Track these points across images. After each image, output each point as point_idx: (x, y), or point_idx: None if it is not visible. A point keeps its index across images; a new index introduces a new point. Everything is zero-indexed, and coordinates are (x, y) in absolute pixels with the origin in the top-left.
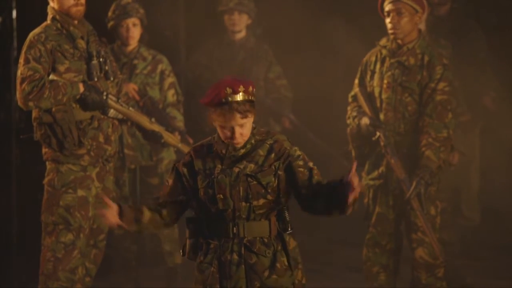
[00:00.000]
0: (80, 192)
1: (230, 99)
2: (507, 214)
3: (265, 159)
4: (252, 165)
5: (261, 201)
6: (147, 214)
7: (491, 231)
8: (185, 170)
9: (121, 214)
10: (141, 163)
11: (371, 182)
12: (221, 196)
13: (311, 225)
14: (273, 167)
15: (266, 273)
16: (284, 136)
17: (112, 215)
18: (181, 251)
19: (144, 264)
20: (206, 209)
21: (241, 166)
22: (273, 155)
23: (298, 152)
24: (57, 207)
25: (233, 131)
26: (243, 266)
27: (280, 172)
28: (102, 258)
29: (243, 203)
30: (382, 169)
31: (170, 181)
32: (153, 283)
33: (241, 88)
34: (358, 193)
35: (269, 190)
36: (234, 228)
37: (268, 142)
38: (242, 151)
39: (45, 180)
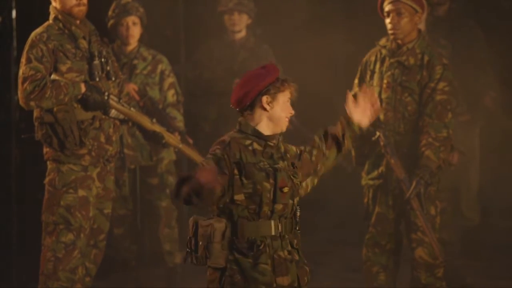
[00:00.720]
0: (81, 192)
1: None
2: (507, 214)
3: (289, 158)
4: (286, 164)
5: (297, 199)
6: None
7: (491, 231)
8: (234, 162)
9: None
10: (141, 163)
11: (371, 182)
12: (287, 189)
13: (311, 225)
14: (296, 166)
15: (308, 268)
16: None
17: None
18: (186, 256)
19: (144, 264)
20: (255, 204)
21: (281, 164)
22: (288, 155)
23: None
24: (58, 207)
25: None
26: (293, 262)
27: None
28: (102, 258)
29: (290, 201)
30: (382, 169)
31: (225, 171)
32: (153, 283)
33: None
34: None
35: (300, 188)
36: (280, 226)
37: (280, 140)
38: (276, 148)
39: (46, 180)
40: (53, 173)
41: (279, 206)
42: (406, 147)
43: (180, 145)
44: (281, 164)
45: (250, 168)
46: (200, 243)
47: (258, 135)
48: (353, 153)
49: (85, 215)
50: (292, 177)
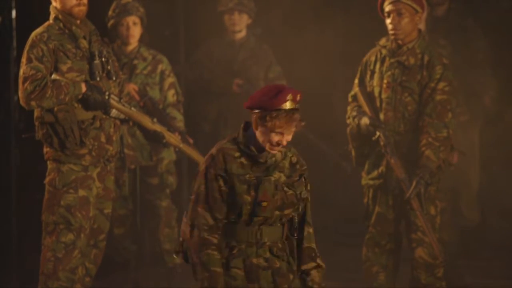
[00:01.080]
0: (81, 192)
1: (289, 105)
2: (506, 214)
3: (291, 171)
4: (282, 176)
5: (290, 210)
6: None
7: (490, 231)
8: (220, 174)
9: None
10: (141, 163)
11: (371, 182)
12: (266, 203)
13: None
14: (302, 178)
15: (291, 276)
16: (296, 150)
17: None
18: (179, 253)
19: (144, 264)
20: (234, 214)
21: (276, 176)
22: (297, 166)
23: (307, 174)
24: (58, 207)
25: (281, 137)
26: (270, 270)
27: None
28: (102, 258)
29: (277, 212)
30: (382, 168)
31: (216, 195)
32: (153, 283)
33: (299, 97)
34: None
35: (299, 201)
36: (258, 233)
37: (289, 155)
38: (273, 159)
39: (46, 180)
40: (53, 173)
41: (258, 218)
42: (406, 147)
43: (181, 145)
44: (276, 175)
45: (233, 179)
46: (181, 239)
47: (249, 151)
48: (353, 153)
49: (85, 215)
50: (286, 188)
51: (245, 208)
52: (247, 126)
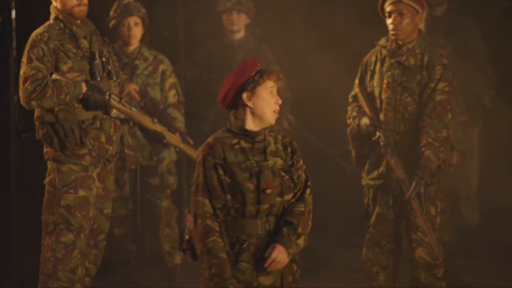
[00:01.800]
0: (81, 192)
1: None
2: (506, 214)
3: (285, 154)
4: (279, 160)
5: (290, 195)
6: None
7: (490, 231)
8: (219, 163)
9: None
10: (141, 163)
11: (371, 182)
12: (270, 190)
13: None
14: (300, 162)
15: (295, 267)
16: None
17: None
18: (186, 250)
19: (143, 264)
20: (239, 203)
21: (272, 161)
22: (289, 149)
23: (299, 153)
24: (58, 207)
25: (276, 98)
26: None
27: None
28: (102, 258)
29: (279, 198)
30: (382, 169)
31: (215, 183)
32: (153, 283)
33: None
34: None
35: (297, 185)
36: (267, 225)
37: (280, 137)
38: (265, 143)
39: (46, 180)
40: (53, 173)
41: (264, 206)
42: (406, 147)
43: (181, 145)
44: (271, 161)
45: (234, 168)
46: (187, 237)
47: (245, 133)
48: (353, 153)
49: (85, 215)
50: (282, 173)
51: (248, 196)
52: (230, 122)
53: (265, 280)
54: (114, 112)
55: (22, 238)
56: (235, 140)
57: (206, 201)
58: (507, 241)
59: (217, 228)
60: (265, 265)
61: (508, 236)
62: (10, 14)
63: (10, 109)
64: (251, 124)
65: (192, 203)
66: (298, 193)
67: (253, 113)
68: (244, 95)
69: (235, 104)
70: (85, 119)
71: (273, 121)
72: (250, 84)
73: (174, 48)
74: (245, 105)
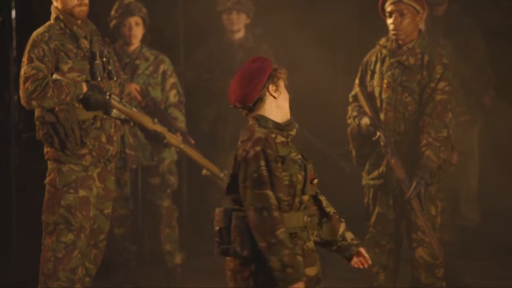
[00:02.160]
0: (82, 192)
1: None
2: (506, 214)
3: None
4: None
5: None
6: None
7: (490, 231)
8: (277, 155)
9: None
10: (142, 163)
11: (371, 182)
12: (316, 180)
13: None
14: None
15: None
16: None
17: None
18: (216, 247)
19: (144, 264)
20: (290, 196)
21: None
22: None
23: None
24: (58, 207)
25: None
26: (317, 253)
27: None
28: (102, 258)
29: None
30: (382, 169)
31: (278, 174)
32: (153, 283)
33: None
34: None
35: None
36: (305, 217)
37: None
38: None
39: (47, 180)
40: (53, 173)
41: (306, 198)
42: (406, 147)
43: (182, 145)
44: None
45: (287, 160)
46: (235, 234)
47: (280, 127)
48: (353, 153)
49: (85, 215)
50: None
51: (297, 188)
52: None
53: (310, 271)
54: (114, 112)
55: (22, 238)
56: (274, 135)
57: (271, 193)
58: (507, 241)
59: (284, 220)
60: (367, 266)
61: (508, 236)
62: (10, 14)
63: (10, 109)
64: (277, 118)
65: (252, 197)
66: None
67: (278, 106)
68: (271, 88)
69: (261, 99)
70: (86, 119)
71: (289, 116)
72: (273, 77)
73: (174, 48)
74: (272, 98)
